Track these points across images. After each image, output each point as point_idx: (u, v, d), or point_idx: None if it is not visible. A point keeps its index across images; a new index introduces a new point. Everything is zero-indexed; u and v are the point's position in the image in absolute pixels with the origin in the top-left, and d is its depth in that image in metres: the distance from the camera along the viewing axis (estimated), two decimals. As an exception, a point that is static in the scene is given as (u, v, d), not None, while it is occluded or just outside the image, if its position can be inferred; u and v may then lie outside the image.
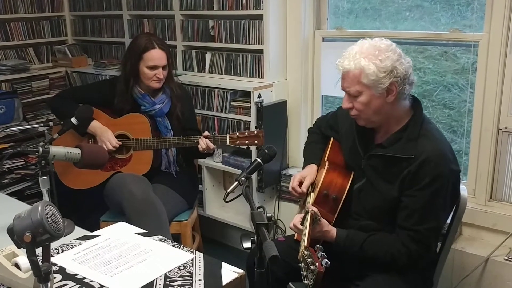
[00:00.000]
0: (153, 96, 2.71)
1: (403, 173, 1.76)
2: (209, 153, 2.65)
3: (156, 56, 2.62)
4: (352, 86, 1.76)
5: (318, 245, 1.54)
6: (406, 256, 1.77)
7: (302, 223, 1.79)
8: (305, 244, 1.62)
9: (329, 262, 1.45)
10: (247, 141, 2.49)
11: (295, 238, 1.97)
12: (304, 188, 2.02)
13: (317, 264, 1.44)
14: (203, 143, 2.51)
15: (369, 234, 1.83)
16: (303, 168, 2.16)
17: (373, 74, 1.70)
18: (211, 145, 2.52)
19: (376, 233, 1.84)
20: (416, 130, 1.79)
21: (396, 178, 1.78)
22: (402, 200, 1.78)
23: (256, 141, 2.49)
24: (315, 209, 1.79)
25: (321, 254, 1.49)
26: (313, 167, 2.10)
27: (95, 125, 2.66)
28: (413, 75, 1.79)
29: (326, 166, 1.96)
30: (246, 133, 2.50)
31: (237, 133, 2.52)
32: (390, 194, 1.80)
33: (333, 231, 1.84)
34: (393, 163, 1.79)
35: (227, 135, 2.52)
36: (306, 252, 1.53)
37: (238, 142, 2.51)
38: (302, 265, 1.53)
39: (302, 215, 1.82)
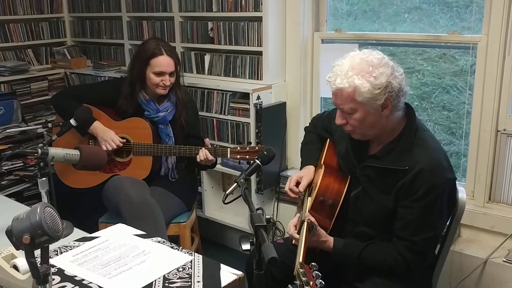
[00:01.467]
0: (158, 102, 2.69)
1: (398, 184, 1.74)
2: (207, 165, 2.62)
3: (163, 62, 2.59)
4: (346, 104, 1.71)
5: (313, 263, 1.53)
6: (403, 265, 1.76)
7: (298, 232, 1.77)
8: (300, 260, 1.59)
9: (323, 283, 1.44)
10: (247, 156, 2.46)
11: (292, 242, 1.96)
12: (301, 188, 2.01)
13: (311, 283, 1.44)
14: (202, 154, 2.49)
15: (366, 244, 1.83)
16: (300, 169, 2.16)
17: (368, 92, 1.65)
18: (210, 157, 2.50)
19: (374, 243, 1.84)
20: (410, 140, 1.76)
21: (391, 189, 1.76)
22: (398, 211, 1.77)
23: (256, 157, 2.47)
24: (311, 218, 1.77)
25: (316, 273, 1.48)
26: (310, 168, 2.09)
27: (97, 126, 2.65)
28: (406, 85, 1.75)
29: (323, 170, 1.95)
30: (248, 148, 2.47)
31: (239, 147, 2.48)
32: (385, 205, 1.79)
33: (330, 241, 1.83)
34: (387, 174, 1.77)
35: (228, 149, 2.50)
36: (301, 270, 1.52)
37: (238, 156, 2.48)
38: (298, 282, 1.53)
39: (298, 221, 1.80)
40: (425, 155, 1.72)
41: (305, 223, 1.73)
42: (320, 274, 1.48)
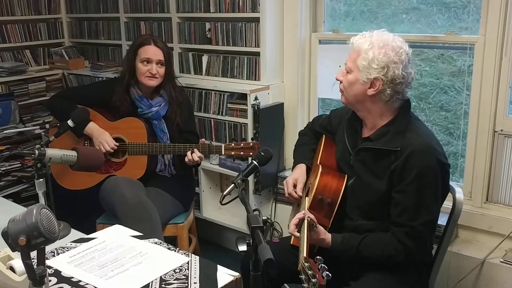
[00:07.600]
0: (150, 99, 2.71)
1: (391, 167, 1.77)
2: (196, 165, 2.66)
3: (150, 50, 2.63)
4: (350, 61, 1.85)
5: (318, 257, 1.54)
6: (403, 253, 1.77)
7: (299, 231, 1.78)
8: (305, 255, 1.60)
9: (330, 275, 1.46)
10: (242, 153, 2.49)
11: (291, 243, 1.97)
12: (299, 191, 2.05)
13: (317, 276, 1.45)
14: (191, 156, 2.52)
15: (364, 236, 1.84)
16: (292, 168, 2.17)
17: (366, 60, 1.76)
18: (196, 158, 2.52)
19: (371, 234, 1.84)
20: (403, 125, 1.81)
21: (384, 172, 1.80)
22: (394, 197, 1.78)
23: (251, 153, 2.49)
24: (311, 216, 1.79)
25: (322, 266, 1.49)
26: (302, 168, 2.13)
27: (92, 127, 2.65)
28: (405, 85, 1.79)
29: (320, 170, 1.96)
30: (242, 144, 2.49)
31: (233, 144, 2.51)
32: (379, 189, 1.81)
33: (329, 238, 1.84)
34: (380, 156, 1.81)
35: (223, 145, 2.52)
36: (306, 264, 1.53)
37: (233, 153, 2.50)
38: (303, 276, 1.54)
39: (297, 221, 1.81)
40: (417, 138, 1.77)
41: (305, 221, 1.74)
42: (326, 266, 1.50)
